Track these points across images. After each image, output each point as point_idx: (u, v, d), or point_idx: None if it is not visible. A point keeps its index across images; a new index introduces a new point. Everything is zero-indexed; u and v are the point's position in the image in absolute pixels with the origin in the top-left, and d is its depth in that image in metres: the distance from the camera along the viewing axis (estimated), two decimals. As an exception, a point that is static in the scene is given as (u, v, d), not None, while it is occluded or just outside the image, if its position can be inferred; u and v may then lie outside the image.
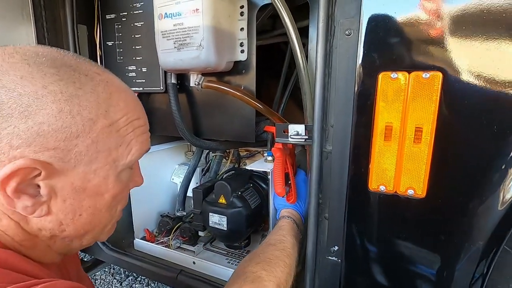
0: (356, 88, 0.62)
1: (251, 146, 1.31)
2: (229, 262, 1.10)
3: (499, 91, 0.51)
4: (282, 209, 0.88)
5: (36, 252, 0.44)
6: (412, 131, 0.57)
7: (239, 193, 1.04)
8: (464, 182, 0.56)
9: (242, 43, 0.87)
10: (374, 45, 0.59)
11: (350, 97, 0.63)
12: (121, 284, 1.69)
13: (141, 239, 1.24)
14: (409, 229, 0.63)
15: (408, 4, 0.55)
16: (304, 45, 0.80)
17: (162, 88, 1.01)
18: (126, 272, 1.77)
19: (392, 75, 0.57)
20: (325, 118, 0.68)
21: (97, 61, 1.11)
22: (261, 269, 0.63)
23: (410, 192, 0.60)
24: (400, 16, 0.56)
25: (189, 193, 1.29)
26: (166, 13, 0.81)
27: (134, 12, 1.00)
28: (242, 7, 0.84)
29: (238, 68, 0.90)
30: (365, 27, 0.59)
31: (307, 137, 0.74)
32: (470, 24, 0.51)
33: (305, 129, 0.74)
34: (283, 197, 0.85)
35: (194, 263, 1.10)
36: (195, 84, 0.89)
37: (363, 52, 0.60)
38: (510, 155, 0.52)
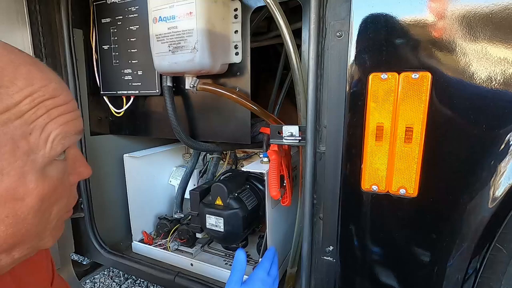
0: (347, 89, 0.63)
1: (248, 147, 1.32)
2: (226, 264, 1.11)
3: (487, 90, 0.52)
4: None
5: None
6: (403, 131, 0.58)
7: (236, 194, 1.04)
8: (455, 180, 0.57)
9: (236, 45, 0.88)
10: (364, 46, 0.59)
11: (342, 98, 0.64)
12: (120, 287, 1.69)
13: (139, 241, 1.24)
14: (401, 228, 0.63)
15: (397, 6, 0.56)
16: (299, 46, 0.81)
17: (158, 91, 1.01)
18: (125, 275, 1.77)
19: (382, 76, 0.58)
20: (318, 119, 0.69)
21: (93, 64, 1.12)
22: None
23: (402, 191, 0.61)
24: (389, 18, 0.56)
25: (187, 195, 1.29)
26: (160, 17, 0.82)
27: (129, 16, 1.01)
28: (236, 10, 0.85)
29: (233, 70, 0.91)
30: (355, 29, 0.59)
31: (300, 138, 0.75)
32: (457, 25, 0.52)
33: (299, 130, 0.75)
34: (278, 199, 0.85)
35: (192, 265, 1.11)
36: (190, 87, 0.89)
37: (354, 54, 0.61)
38: (499, 153, 0.52)
